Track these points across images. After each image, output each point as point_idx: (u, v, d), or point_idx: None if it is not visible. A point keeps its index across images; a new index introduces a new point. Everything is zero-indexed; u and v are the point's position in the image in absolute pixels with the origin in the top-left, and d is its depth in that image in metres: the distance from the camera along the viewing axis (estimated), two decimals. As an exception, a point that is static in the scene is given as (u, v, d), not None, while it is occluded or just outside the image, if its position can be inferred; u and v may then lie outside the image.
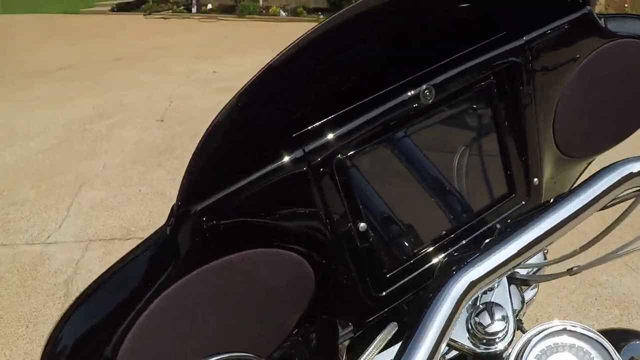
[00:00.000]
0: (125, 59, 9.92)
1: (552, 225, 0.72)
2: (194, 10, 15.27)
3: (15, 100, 7.54)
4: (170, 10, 15.47)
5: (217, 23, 13.81)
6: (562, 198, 0.75)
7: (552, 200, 0.78)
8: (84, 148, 5.74)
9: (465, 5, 0.90)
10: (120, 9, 16.54)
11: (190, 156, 0.65)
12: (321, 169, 0.76)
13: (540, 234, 0.72)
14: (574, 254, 0.91)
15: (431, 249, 0.91)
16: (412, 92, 0.83)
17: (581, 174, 1.22)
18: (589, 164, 1.21)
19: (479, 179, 0.97)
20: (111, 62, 9.71)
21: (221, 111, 0.66)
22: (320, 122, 0.78)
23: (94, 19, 15.36)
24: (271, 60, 0.66)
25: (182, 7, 15.41)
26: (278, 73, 0.67)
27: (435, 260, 0.90)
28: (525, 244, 0.71)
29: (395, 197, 0.87)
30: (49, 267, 3.69)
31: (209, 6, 15.04)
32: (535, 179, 1.01)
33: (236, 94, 0.66)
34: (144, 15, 15.42)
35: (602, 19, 1.02)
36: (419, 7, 0.84)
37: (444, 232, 0.92)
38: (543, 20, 0.97)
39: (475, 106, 0.93)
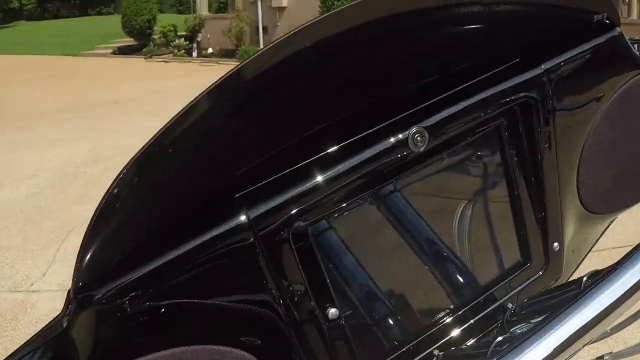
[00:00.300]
0: (124, 101, 9.89)
1: (593, 316, 0.53)
2: (194, 54, 15.39)
3: (9, 142, 7.47)
4: (171, 54, 15.59)
5: (218, 67, 13.87)
6: (601, 276, 0.56)
7: (584, 279, 0.61)
8: (75, 192, 5.62)
9: (466, 24, 0.74)
10: (121, 51, 16.70)
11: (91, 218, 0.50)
12: (274, 240, 0.59)
13: (575, 331, 0.52)
14: (603, 336, 0.76)
15: (425, 335, 0.72)
16: (398, 137, 0.65)
17: (601, 235, 1.01)
18: (612, 222, 1.00)
19: (485, 244, 0.79)
20: (110, 104, 9.68)
21: (135, 156, 0.51)
22: (273, 178, 0.60)
23: (95, 62, 15.46)
24: (207, 89, 0.52)
25: (183, 51, 15.54)
26: (214, 109, 0.54)
27: (429, 351, 0.72)
28: (555, 346, 0.52)
29: (377, 271, 0.70)
30: (30, 316, 3.53)
31: (210, 50, 15.15)
32: (555, 244, 0.82)
33: (154, 136, 0.51)
34: (145, 58, 15.54)
35: (636, 45, 0.86)
36: (407, 24, 0.69)
37: (441, 313, 0.75)
38: (564, 44, 0.79)
39: (480, 154, 0.77)
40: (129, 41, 17.14)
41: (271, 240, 0.59)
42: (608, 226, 1.00)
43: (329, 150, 0.62)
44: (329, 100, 0.67)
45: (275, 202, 0.59)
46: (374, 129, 0.65)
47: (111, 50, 16.99)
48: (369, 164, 0.63)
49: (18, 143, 7.41)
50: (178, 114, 0.54)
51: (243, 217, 0.57)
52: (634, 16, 12.56)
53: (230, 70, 0.56)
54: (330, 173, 0.61)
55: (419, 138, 0.65)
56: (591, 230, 0.95)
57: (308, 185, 0.60)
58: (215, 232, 0.56)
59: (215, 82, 0.55)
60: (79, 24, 26.34)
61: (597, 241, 1.01)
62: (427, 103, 0.68)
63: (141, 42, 16.65)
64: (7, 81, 12.72)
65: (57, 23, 30.12)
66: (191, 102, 0.54)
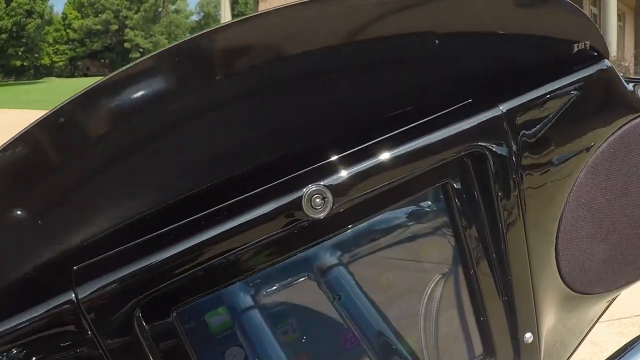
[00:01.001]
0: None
1: None
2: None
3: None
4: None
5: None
6: None
7: None
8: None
9: (405, 57, 0.56)
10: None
11: None
12: (110, 324, 0.45)
13: None
14: None
15: None
16: (288, 199, 0.49)
17: (600, 316, 0.80)
18: (613, 300, 0.78)
19: (437, 335, 0.61)
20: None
21: None
22: (121, 248, 0.47)
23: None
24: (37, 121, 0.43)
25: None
26: (41, 154, 0.45)
27: None
28: None
29: None
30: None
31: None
32: (528, 334, 0.63)
33: None
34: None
35: (632, 84, 0.65)
36: (317, 52, 0.52)
37: None
38: (532, 80, 0.60)
39: (420, 222, 0.58)
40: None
41: (106, 324, 0.45)
42: (611, 303, 0.77)
43: (195, 217, 0.49)
44: (201, 148, 0.51)
45: (112, 278, 0.45)
46: (257, 189, 0.50)
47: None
48: (246, 232, 0.48)
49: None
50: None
51: (71, 294, 0.45)
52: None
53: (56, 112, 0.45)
54: (192, 242, 0.47)
55: (317, 200, 0.49)
56: (585, 311, 0.75)
57: (163, 257, 0.46)
58: (41, 309, 0.45)
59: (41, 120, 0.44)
60: (107, 83, 27.14)
61: (601, 316, 0.79)
62: (336, 156, 0.52)
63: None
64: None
65: (86, 81, 31.10)
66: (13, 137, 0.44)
